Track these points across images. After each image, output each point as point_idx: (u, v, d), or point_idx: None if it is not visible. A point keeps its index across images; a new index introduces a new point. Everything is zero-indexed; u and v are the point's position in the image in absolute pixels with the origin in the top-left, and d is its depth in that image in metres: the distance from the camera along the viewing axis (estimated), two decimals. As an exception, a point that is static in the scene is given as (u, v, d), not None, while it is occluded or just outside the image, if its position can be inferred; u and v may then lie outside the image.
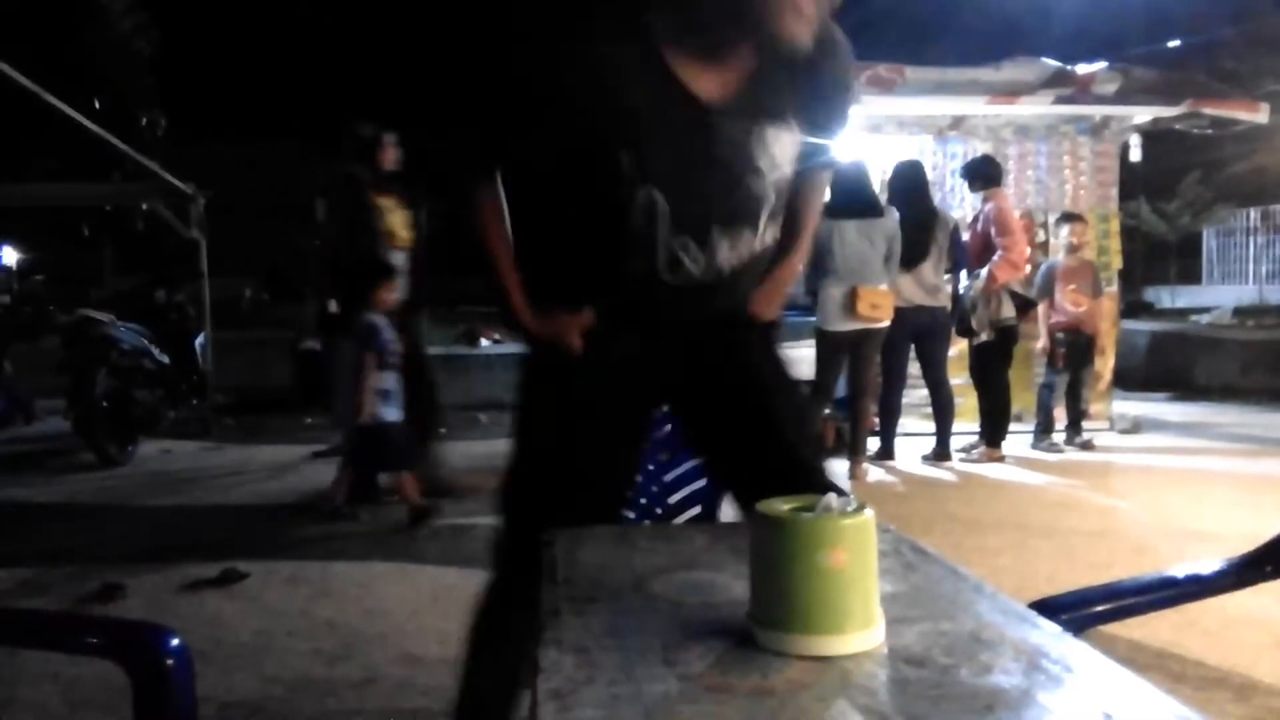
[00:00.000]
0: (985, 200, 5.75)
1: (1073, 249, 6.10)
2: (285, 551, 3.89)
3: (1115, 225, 7.07)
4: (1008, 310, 5.61)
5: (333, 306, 5.60)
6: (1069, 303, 6.01)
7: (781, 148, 1.20)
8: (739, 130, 1.18)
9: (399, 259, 4.63)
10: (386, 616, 3.08)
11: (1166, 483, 5.10)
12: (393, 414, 4.32)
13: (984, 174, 5.82)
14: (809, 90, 1.22)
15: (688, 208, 1.16)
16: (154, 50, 23.63)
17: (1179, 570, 1.47)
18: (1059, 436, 6.11)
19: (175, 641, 1.26)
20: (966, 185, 6.00)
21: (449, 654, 2.71)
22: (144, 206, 5.81)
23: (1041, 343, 6.12)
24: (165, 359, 6.49)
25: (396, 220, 4.68)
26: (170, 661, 1.22)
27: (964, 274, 5.73)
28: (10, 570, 3.61)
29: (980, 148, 6.84)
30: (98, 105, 19.23)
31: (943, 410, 5.72)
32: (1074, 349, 6.04)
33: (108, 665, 1.29)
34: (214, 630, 2.94)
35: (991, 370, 5.72)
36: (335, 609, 3.16)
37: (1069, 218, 6.22)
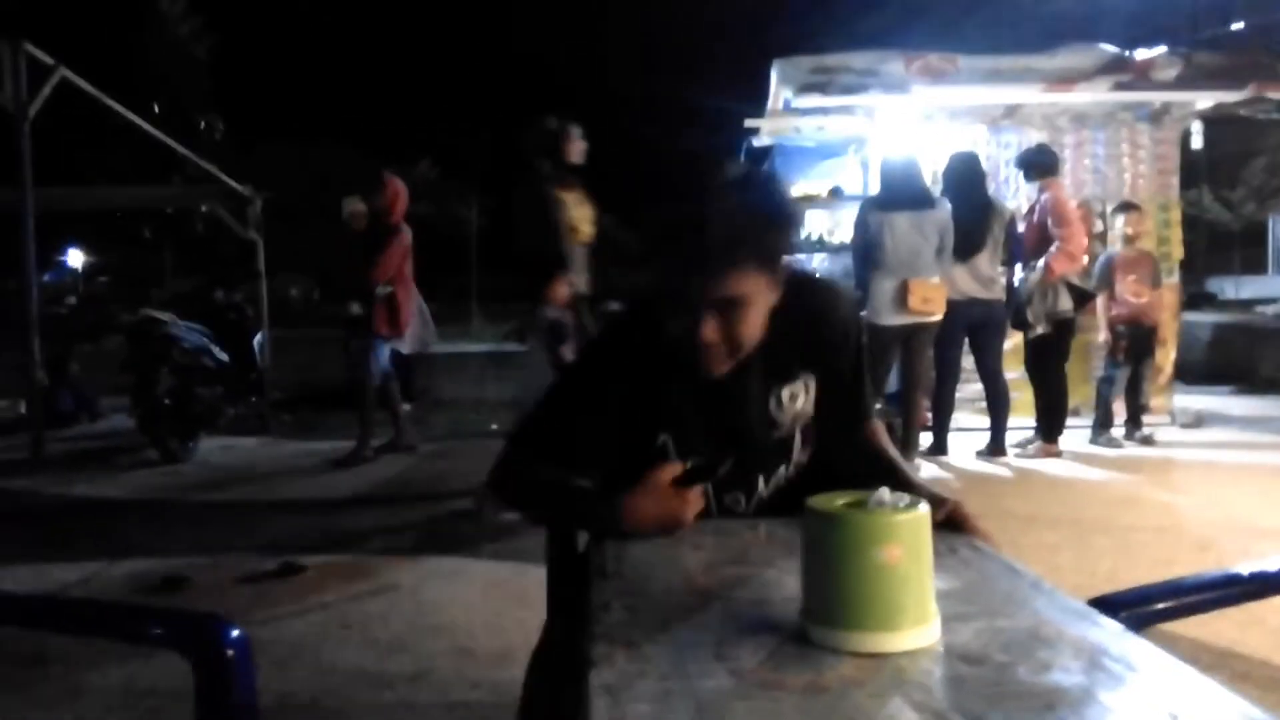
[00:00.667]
0: (1041, 190, 5.64)
1: (1129, 239, 5.96)
2: (341, 545, 3.96)
3: (1176, 214, 6.89)
4: (1065, 303, 5.49)
5: (355, 309, 5.69)
6: (1129, 294, 5.88)
7: (794, 398, 1.43)
8: (752, 397, 1.41)
9: (578, 253, 4.46)
10: (440, 610, 3.11)
11: (1230, 478, 4.96)
12: None
13: (1039, 163, 5.70)
14: (814, 347, 1.45)
15: (728, 472, 1.39)
16: (211, 55, 24.16)
17: (1244, 567, 1.42)
18: (1118, 431, 5.98)
19: (236, 632, 1.28)
20: (1022, 175, 5.88)
21: (500, 647, 2.75)
22: (203, 209, 5.95)
23: (1102, 335, 5.99)
24: (224, 357, 6.63)
25: (579, 215, 4.50)
26: (231, 652, 1.25)
27: (1019, 266, 5.63)
28: (77, 564, 3.72)
29: (1035, 137, 6.71)
30: (157, 110, 19.73)
31: (998, 405, 5.62)
32: (1135, 341, 5.92)
33: (171, 655, 1.33)
34: (272, 622, 3.00)
35: (1048, 364, 5.61)
36: (390, 603, 3.21)
37: (1125, 207, 6.08)
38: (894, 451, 1.53)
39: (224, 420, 6.71)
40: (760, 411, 1.41)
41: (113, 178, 17.62)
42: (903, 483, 1.29)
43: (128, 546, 3.99)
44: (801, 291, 1.39)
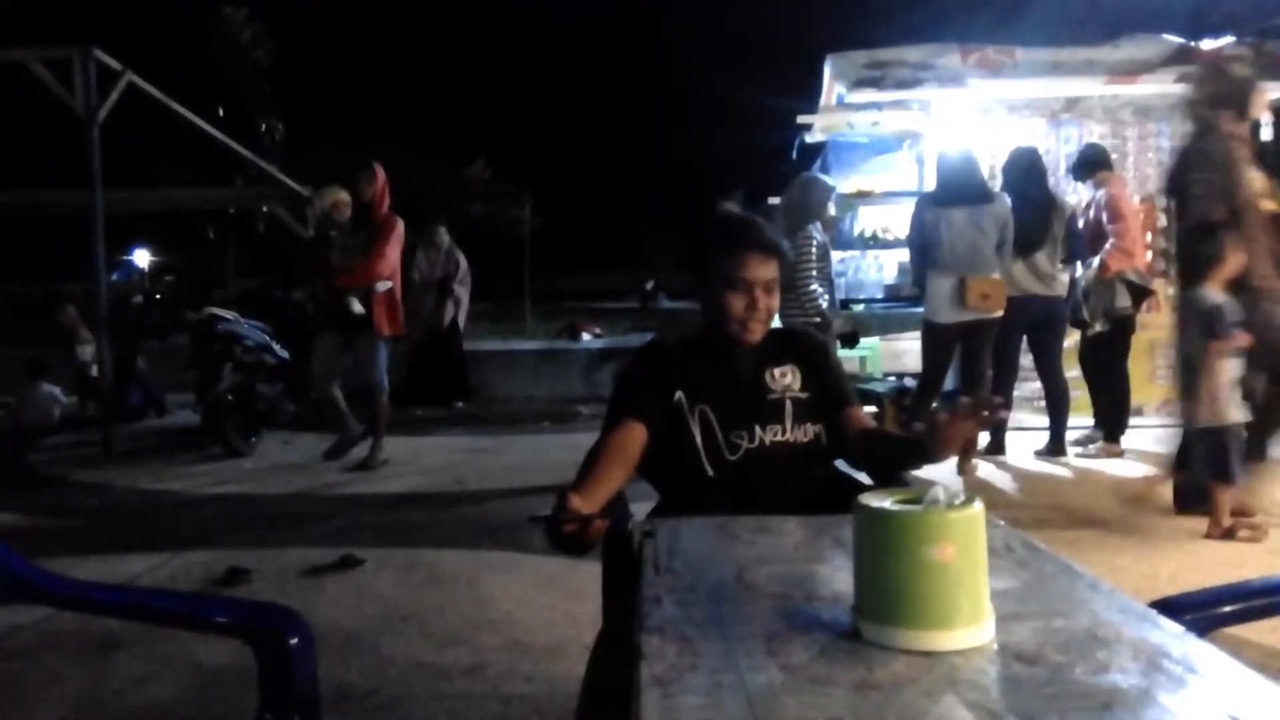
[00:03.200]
0: (1097, 187, 5.51)
1: None
2: (399, 539, 4.02)
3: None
4: (1122, 300, 5.35)
5: (357, 307, 5.37)
6: None
7: (784, 375, 1.92)
8: (751, 367, 1.93)
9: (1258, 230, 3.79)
10: (494, 604, 3.15)
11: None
12: (1240, 414, 3.79)
13: (1091, 161, 5.57)
14: (793, 346, 1.99)
15: (728, 415, 1.87)
16: (271, 60, 24.66)
17: (1316, 571, 1.38)
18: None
19: (299, 623, 1.32)
20: (1074, 179, 5.69)
21: (553, 641, 2.77)
22: (264, 209, 6.01)
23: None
24: (285, 354, 6.77)
25: (1258, 184, 3.88)
26: (294, 641, 1.28)
27: (1079, 263, 5.51)
28: (144, 555, 3.83)
29: (1096, 130, 6.57)
30: (221, 113, 20.20)
31: (1057, 403, 5.50)
32: None
33: (235, 644, 1.36)
34: (332, 614, 3.07)
35: (1108, 362, 5.48)
36: (446, 596, 3.26)
37: None
38: (872, 422, 1.96)
39: (285, 416, 6.86)
40: (757, 377, 1.92)
41: (177, 180, 18.09)
42: (885, 438, 1.93)
43: (193, 539, 4.11)
44: (780, 329, 2.02)
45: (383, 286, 5.43)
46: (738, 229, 1.93)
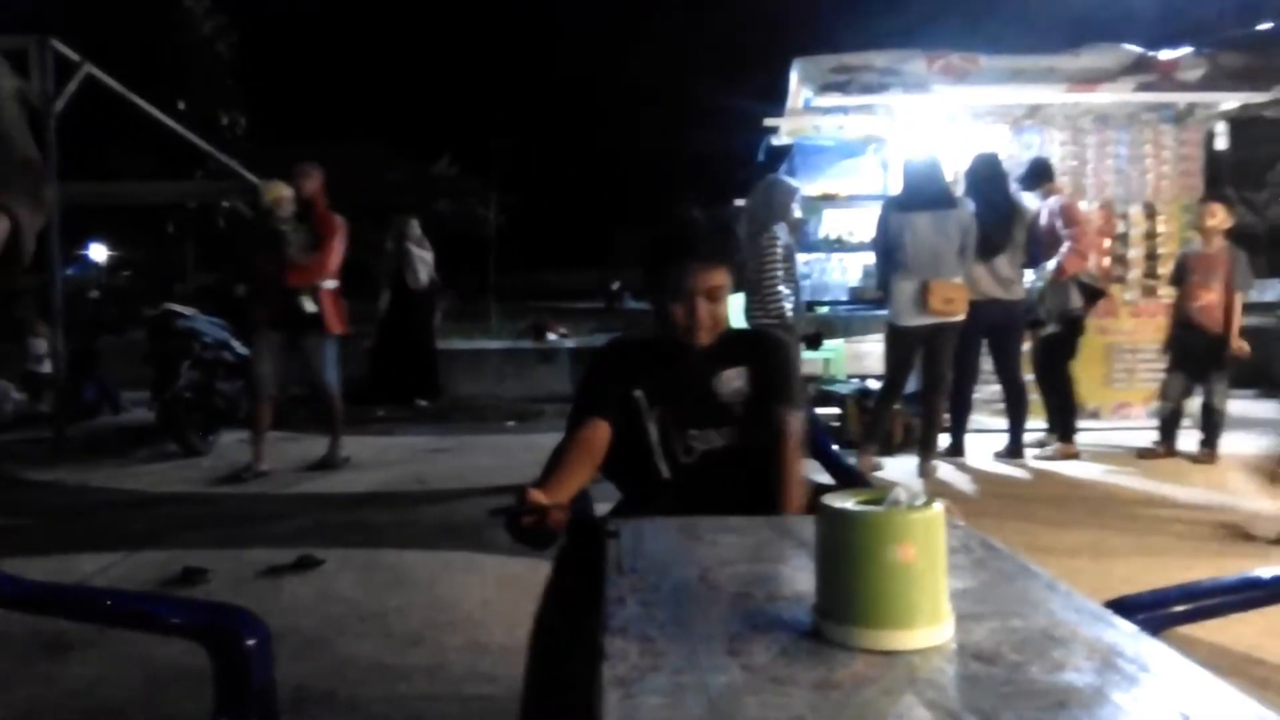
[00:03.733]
0: (1045, 196, 5.63)
1: (1203, 235, 5.53)
2: (359, 539, 3.99)
3: (1218, 216, 6.80)
4: (1075, 300, 5.46)
5: (309, 306, 5.21)
6: (1190, 296, 5.48)
7: (732, 380, 1.90)
8: (701, 371, 1.91)
9: None
10: (456, 605, 3.13)
11: (1253, 483, 4.90)
12: None
13: (1038, 172, 5.71)
14: (748, 349, 1.96)
15: (686, 418, 1.88)
16: (234, 53, 24.31)
17: (1264, 571, 1.41)
18: (1191, 436, 5.62)
19: (256, 623, 1.30)
20: (1022, 188, 5.74)
21: (515, 642, 2.75)
22: (225, 204, 5.87)
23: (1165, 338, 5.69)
24: (245, 351, 6.68)
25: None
26: (251, 642, 1.27)
27: (1037, 267, 5.59)
28: (97, 554, 3.76)
29: (1057, 137, 6.67)
30: (181, 106, 19.88)
31: (1016, 406, 5.59)
32: (1190, 349, 5.49)
33: (189, 645, 1.34)
34: (290, 615, 3.03)
35: (1057, 363, 5.58)
36: (406, 596, 3.23)
37: (1203, 200, 5.83)
38: (798, 436, 1.88)
39: (244, 414, 6.76)
40: (707, 380, 1.91)
41: (137, 173, 17.78)
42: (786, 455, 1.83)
43: (147, 538, 4.04)
44: (742, 330, 2.03)
45: (330, 284, 5.36)
46: (678, 238, 1.88)
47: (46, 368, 7.59)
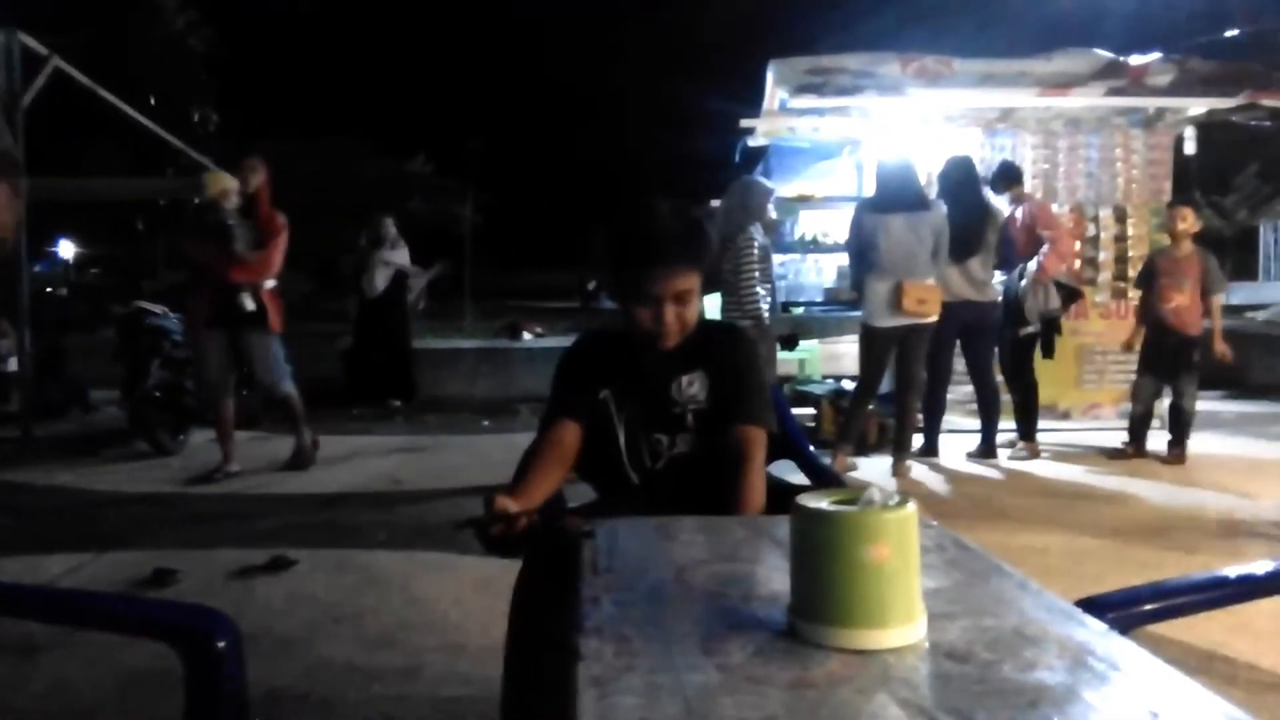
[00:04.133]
0: (1013, 200, 5.69)
1: (1172, 238, 5.59)
2: (332, 540, 3.96)
3: (1185, 220, 6.89)
4: (1054, 301, 5.53)
5: (249, 304, 5.03)
6: (1160, 299, 5.53)
7: (691, 384, 1.85)
8: (660, 377, 1.86)
9: None
10: (430, 605, 3.11)
11: (1221, 482, 4.99)
12: None
13: (1007, 175, 5.77)
14: (706, 361, 1.88)
15: (649, 421, 1.86)
16: (207, 47, 24.06)
17: (1230, 570, 1.44)
18: (1160, 438, 5.68)
19: (228, 625, 1.29)
20: (992, 191, 5.77)
21: (491, 643, 2.74)
22: (196, 200, 5.78)
23: (1133, 341, 5.74)
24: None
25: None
26: (222, 644, 1.25)
27: (1012, 269, 5.64)
28: (66, 555, 3.71)
29: (1029, 140, 6.73)
30: (153, 102, 19.63)
31: (988, 406, 5.65)
32: (1160, 352, 5.56)
33: (159, 647, 1.33)
34: (262, 616, 3.00)
35: (1026, 362, 5.64)
36: (380, 597, 3.21)
37: (1171, 204, 5.92)
38: (756, 453, 1.78)
39: (213, 414, 6.69)
40: (665, 386, 1.85)
41: (106, 169, 17.54)
42: (738, 477, 1.71)
43: (117, 539, 3.99)
44: (709, 324, 1.95)
45: (271, 283, 5.26)
46: (643, 240, 1.78)
47: (13, 366, 7.47)
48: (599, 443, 1.83)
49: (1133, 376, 5.85)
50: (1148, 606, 1.35)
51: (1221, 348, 5.52)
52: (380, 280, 8.20)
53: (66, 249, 28.35)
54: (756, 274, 4.63)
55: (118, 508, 4.68)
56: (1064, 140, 6.79)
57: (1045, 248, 5.44)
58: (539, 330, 11.24)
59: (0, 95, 6.12)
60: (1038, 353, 5.67)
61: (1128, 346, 5.82)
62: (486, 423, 7.36)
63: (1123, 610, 1.27)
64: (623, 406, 1.84)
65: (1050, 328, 5.61)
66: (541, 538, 1.61)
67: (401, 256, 8.38)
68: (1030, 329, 5.54)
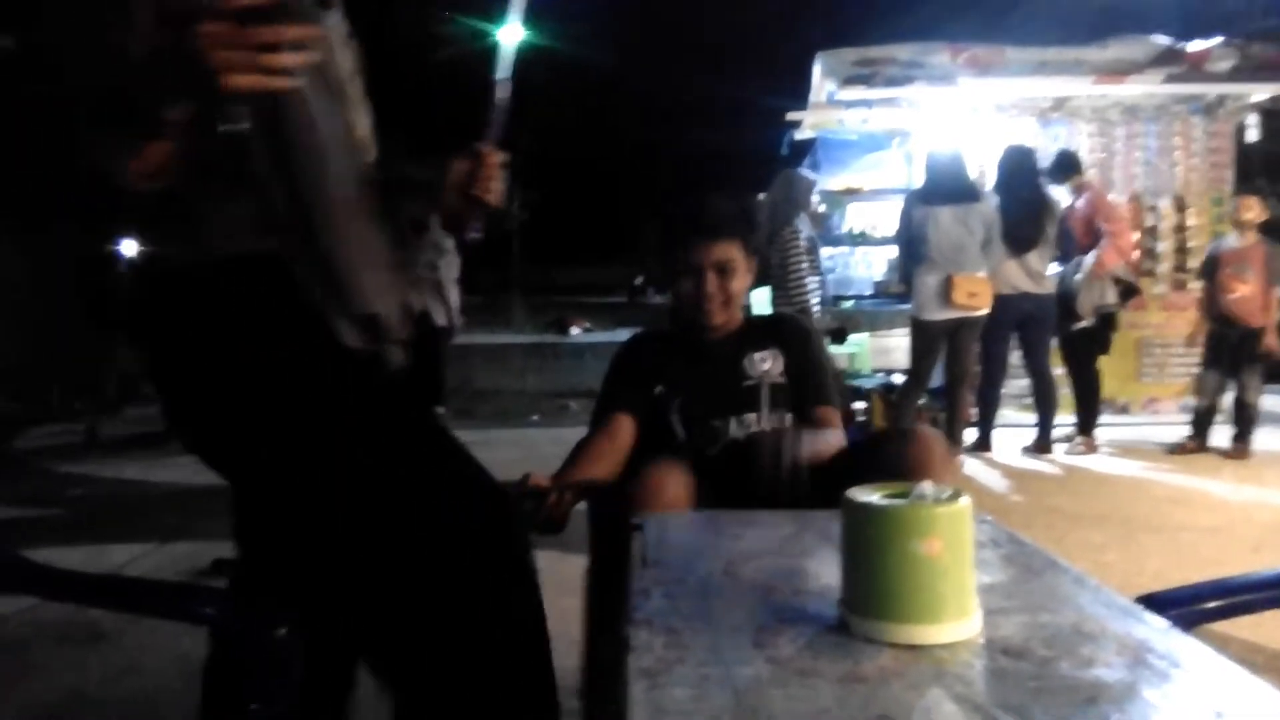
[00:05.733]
0: (1075, 190, 5.56)
1: (1239, 228, 5.43)
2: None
3: (1230, 209, 6.73)
4: (1110, 296, 5.40)
5: None
6: (1224, 289, 5.39)
7: (764, 361, 1.90)
8: (728, 355, 1.91)
9: None
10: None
11: (1285, 479, 4.84)
12: None
13: (1066, 165, 5.63)
14: (779, 332, 1.97)
15: (705, 407, 1.87)
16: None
17: (1298, 568, 1.39)
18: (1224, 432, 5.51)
19: (284, 614, 1.31)
20: (1051, 181, 5.66)
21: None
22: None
23: (1198, 333, 5.60)
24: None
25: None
26: (279, 633, 1.28)
27: (1064, 261, 5.53)
28: (129, 545, 3.81)
29: (1084, 129, 6.60)
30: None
31: (1045, 400, 5.54)
32: (1224, 343, 5.41)
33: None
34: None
35: (1087, 357, 5.52)
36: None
37: (1239, 192, 5.79)
38: (835, 434, 1.84)
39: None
40: (734, 364, 1.90)
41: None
42: (891, 453, 1.63)
43: (179, 530, 4.08)
44: (775, 313, 2.20)
45: None
46: (684, 214, 1.91)
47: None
48: (654, 439, 1.84)
49: (1193, 369, 5.71)
50: (1211, 604, 1.31)
51: (1272, 341, 5.34)
52: (438, 315, 7.75)
53: (130, 248, 29.04)
54: (805, 265, 4.61)
55: (180, 500, 4.79)
56: (1121, 129, 6.64)
57: (1104, 241, 5.32)
58: (587, 325, 11.31)
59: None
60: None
61: (1191, 340, 5.68)
62: (536, 417, 7.41)
63: (1185, 608, 1.24)
64: (678, 398, 1.86)
65: (1106, 323, 5.48)
66: (599, 522, 1.62)
67: (447, 257, 7.78)
68: (1084, 324, 5.43)
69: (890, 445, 1.67)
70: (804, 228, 4.70)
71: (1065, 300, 5.41)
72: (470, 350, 9.13)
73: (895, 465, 1.49)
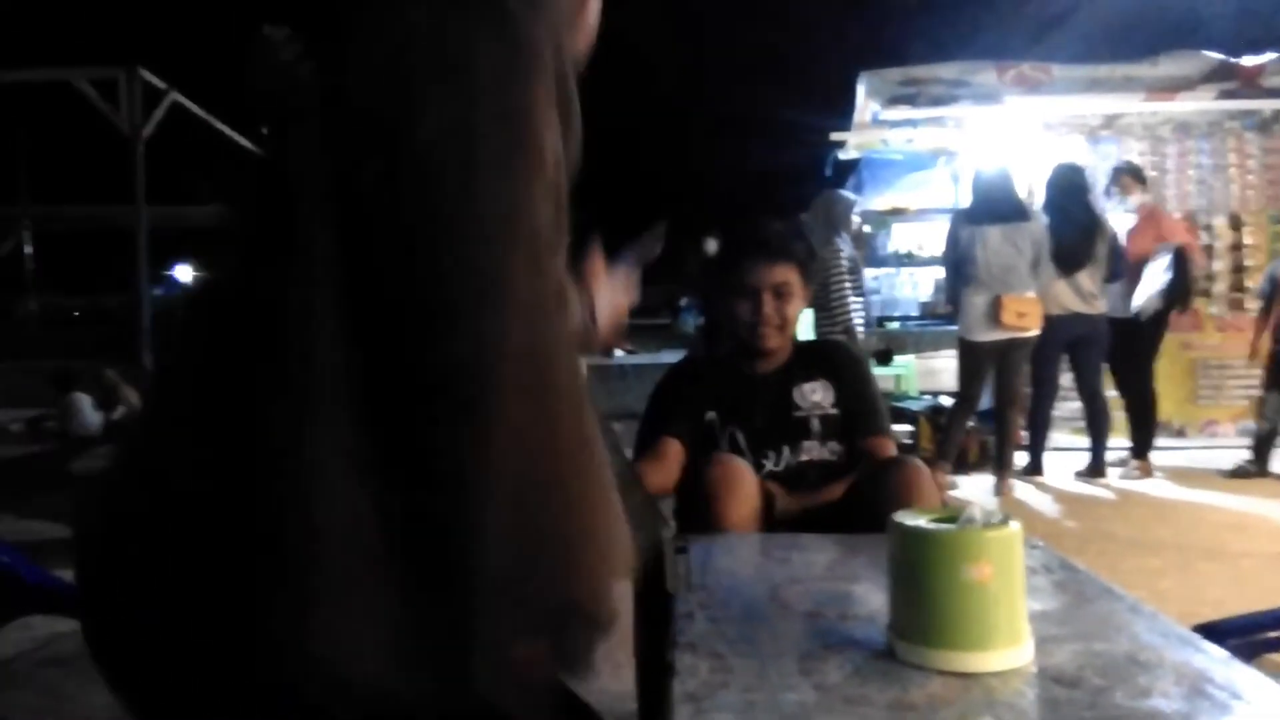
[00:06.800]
0: (1130, 209, 5.48)
1: None
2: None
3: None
4: (1164, 288, 5.26)
5: None
6: None
7: (814, 392, 1.88)
8: (778, 384, 1.90)
9: None
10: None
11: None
12: None
13: (1134, 174, 5.55)
14: (830, 363, 1.94)
15: (755, 435, 1.86)
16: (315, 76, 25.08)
17: (1365, 597, 1.35)
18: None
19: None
20: (1117, 190, 5.61)
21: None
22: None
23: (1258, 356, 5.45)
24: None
25: None
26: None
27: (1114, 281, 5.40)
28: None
29: (1135, 147, 6.49)
30: (265, 132, 20.49)
31: (1098, 423, 5.42)
32: None
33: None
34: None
35: (1144, 373, 5.38)
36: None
37: None
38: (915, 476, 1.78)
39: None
40: (785, 395, 1.88)
41: (221, 196, 18.42)
42: (877, 483, 1.63)
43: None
44: (820, 340, 2.19)
45: None
46: (743, 235, 1.93)
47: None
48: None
49: (1252, 392, 5.55)
50: (1272, 634, 1.28)
51: None
52: None
53: (184, 273, 29.78)
54: (847, 285, 4.58)
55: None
56: (1173, 146, 6.52)
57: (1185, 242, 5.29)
58: (629, 347, 11.31)
59: (123, 127, 6.49)
60: (1156, 365, 5.42)
61: (1253, 356, 5.54)
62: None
63: (1245, 637, 1.21)
64: (728, 425, 1.85)
65: (1158, 321, 5.33)
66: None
67: None
68: (1146, 305, 5.27)
69: (880, 476, 1.65)
70: (845, 247, 4.68)
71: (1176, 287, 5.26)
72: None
73: (882, 496, 1.50)
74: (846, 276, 4.58)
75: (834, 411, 1.88)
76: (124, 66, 6.49)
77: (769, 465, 1.83)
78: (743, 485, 1.57)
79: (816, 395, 1.88)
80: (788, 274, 1.86)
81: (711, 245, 4.99)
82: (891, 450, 1.88)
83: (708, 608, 1.04)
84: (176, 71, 7.22)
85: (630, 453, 1.93)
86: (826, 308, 4.59)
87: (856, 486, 1.72)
